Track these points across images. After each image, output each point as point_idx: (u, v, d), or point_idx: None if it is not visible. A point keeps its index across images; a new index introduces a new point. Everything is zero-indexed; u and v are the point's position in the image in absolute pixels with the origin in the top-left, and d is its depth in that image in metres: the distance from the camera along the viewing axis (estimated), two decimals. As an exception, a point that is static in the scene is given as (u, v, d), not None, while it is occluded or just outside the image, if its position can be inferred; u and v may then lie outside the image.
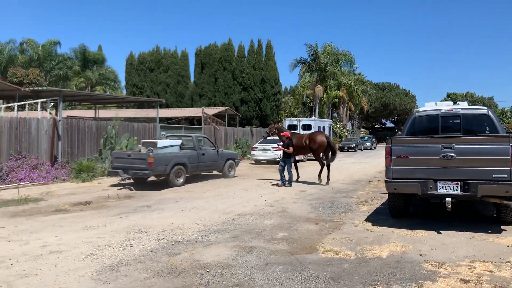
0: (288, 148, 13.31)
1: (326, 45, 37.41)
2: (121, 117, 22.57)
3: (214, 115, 28.73)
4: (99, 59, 48.28)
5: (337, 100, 44.93)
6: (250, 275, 4.95)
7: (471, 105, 13.67)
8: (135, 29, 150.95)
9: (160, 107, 26.34)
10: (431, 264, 5.31)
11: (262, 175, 17.01)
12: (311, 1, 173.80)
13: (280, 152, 16.31)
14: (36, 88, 20.97)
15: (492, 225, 7.48)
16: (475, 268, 5.15)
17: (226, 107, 33.72)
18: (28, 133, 14.11)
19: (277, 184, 13.60)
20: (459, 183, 6.80)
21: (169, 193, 12.07)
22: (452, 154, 6.79)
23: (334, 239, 6.68)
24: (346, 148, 39.28)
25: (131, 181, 13.55)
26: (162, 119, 27.38)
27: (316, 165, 15.09)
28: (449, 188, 6.86)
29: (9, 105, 21.47)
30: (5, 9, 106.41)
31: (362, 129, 66.75)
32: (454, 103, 9.79)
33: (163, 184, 13.42)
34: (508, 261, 5.38)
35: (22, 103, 17.92)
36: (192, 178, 14.85)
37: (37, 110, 17.11)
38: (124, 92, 47.72)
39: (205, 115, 25.85)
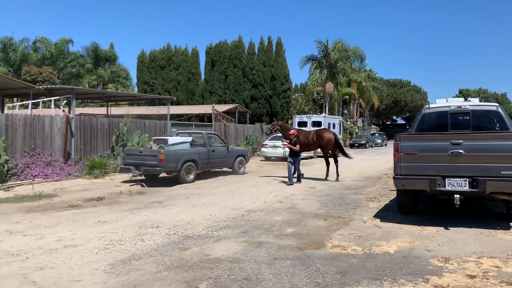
0: (295, 146, 13.29)
1: (337, 41, 37.34)
2: (132, 114, 22.84)
3: (224, 112, 28.87)
4: (111, 57, 48.76)
5: (347, 96, 44.75)
6: (259, 269, 5.05)
7: (484, 101, 13.58)
8: (146, 27, 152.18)
9: (171, 105, 26.57)
10: (438, 260, 5.35)
11: (272, 172, 17.09)
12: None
13: (286, 149, 16.28)
14: (49, 86, 21.28)
15: (501, 221, 7.48)
16: (482, 264, 5.18)
17: (236, 104, 33.86)
18: (42, 131, 14.37)
19: (286, 183, 13.62)
20: (467, 179, 6.81)
21: (179, 189, 12.23)
22: (460, 151, 6.80)
23: (342, 235, 6.75)
24: (357, 145, 39.09)
25: (143, 177, 13.75)
26: (173, 116, 27.61)
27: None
28: (458, 185, 6.88)
29: (24, 103, 21.82)
30: (19, 8, 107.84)
31: (373, 125, 66.33)
32: (466, 100, 9.77)
33: (174, 180, 13.58)
34: (516, 257, 5.40)
35: (36, 100, 18.26)
36: (203, 175, 15.00)
37: (50, 108, 17.41)
38: (136, 89, 48.17)
39: (215, 112, 25.99)
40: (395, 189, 8.10)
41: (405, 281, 4.63)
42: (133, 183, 13.19)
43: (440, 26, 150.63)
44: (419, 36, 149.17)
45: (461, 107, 8.34)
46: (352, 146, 38.87)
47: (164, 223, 7.63)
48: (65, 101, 17.98)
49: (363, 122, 59.12)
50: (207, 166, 14.60)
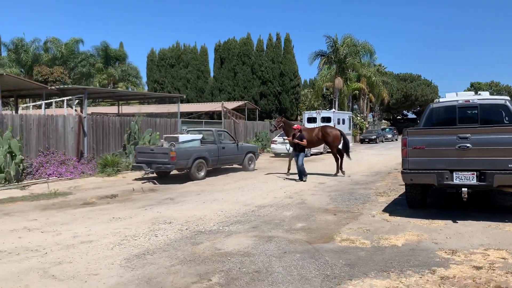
0: (302, 141, 13.18)
1: (346, 36, 37.22)
2: (143, 113, 23.06)
3: (233, 109, 29.04)
4: (121, 56, 49.12)
5: (357, 92, 44.63)
6: (269, 262, 5.19)
7: (496, 94, 13.52)
8: (155, 26, 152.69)
9: (181, 103, 26.79)
10: (445, 252, 5.44)
11: (281, 168, 17.17)
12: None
13: (288, 145, 16.23)
14: (61, 86, 21.64)
15: (509, 214, 7.52)
16: (488, 255, 5.26)
17: (246, 101, 34.00)
18: (55, 130, 14.66)
19: (295, 180, 13.65)
20: (475, 173, 6.87)
21: (191, 186, 12.41)
22: (468, 145, 6.86)
23: (351, 229, 6.86)
24: (367, 140, 39.03)
25: (155, 175, 13.97)
26: (183, 114, 27.86)
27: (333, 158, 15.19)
28: (465, 178, 6.94)
29: (37, 103, 22.20)
30: (30, 9, 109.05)
31: (383, 120, 66.08)
32: (476, 93, 9.77)
33: (185, 177, 13.78)
34: (523, 249, 5.47)
35: (49, 101, 18.56)
36: (213, 172, 15.18)
37: (63, 108, 17.71)
38: (146, 88, 48.56)
39: (225, 109, 26.15)
40: (404, 183, 8.19)
41: (412, 272, 4.73)
42: (145, 181, 13.42)
43: (451, 19, 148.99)
44: (429, 30, 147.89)
45: (469, 101, 8.37)
46: (362, 141, 38.81)
47: (176, 219, 7.81)
48: (77, 100, 18.27)
49: (373, 117, 58.88)
50: (218, 163, 14.77)
